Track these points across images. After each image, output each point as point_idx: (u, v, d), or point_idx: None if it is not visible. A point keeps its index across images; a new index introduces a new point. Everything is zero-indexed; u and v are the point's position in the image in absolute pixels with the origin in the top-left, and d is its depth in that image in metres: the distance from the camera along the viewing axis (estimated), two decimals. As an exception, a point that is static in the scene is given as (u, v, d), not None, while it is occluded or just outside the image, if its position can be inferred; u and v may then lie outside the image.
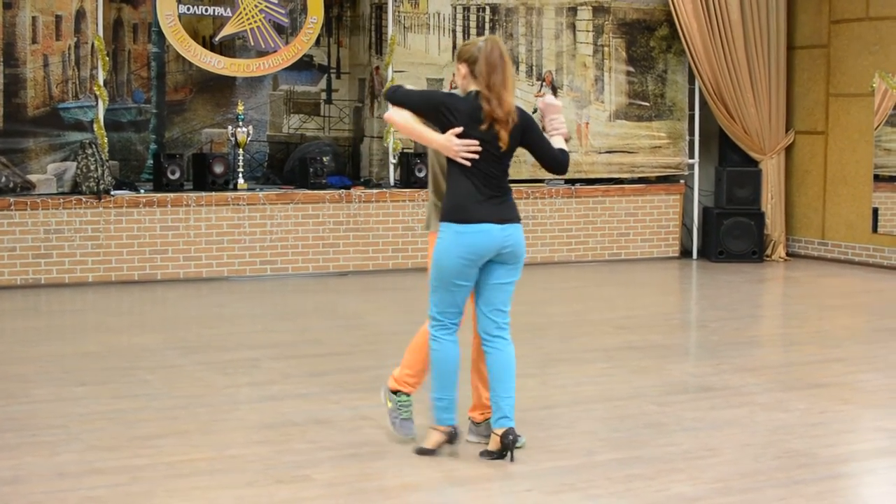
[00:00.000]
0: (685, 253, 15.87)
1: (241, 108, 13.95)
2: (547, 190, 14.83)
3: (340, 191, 13.90)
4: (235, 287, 13.02)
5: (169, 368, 8.90)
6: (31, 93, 13.05)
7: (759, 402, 7.94)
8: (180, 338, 10.17)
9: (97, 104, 13.18)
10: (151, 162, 13.95)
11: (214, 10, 13.90)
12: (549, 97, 6.84)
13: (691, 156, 15.83)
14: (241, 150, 13.79)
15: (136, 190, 13.24)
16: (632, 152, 15.42)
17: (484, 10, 14.87)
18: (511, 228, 6.39)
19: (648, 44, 15.62)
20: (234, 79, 14.54)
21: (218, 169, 13.47)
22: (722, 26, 15.12)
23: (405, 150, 14.43)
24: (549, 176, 14.34)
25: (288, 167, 14.83)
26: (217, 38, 13.91)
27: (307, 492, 5.99)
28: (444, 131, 6.32)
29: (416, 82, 14.60)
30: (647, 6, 15.52)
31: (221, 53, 13.98)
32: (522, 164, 13.38)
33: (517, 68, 14.70)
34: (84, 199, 12.74)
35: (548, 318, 10.99)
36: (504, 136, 6.28)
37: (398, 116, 6.52)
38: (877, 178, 14.76)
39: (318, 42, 14.73)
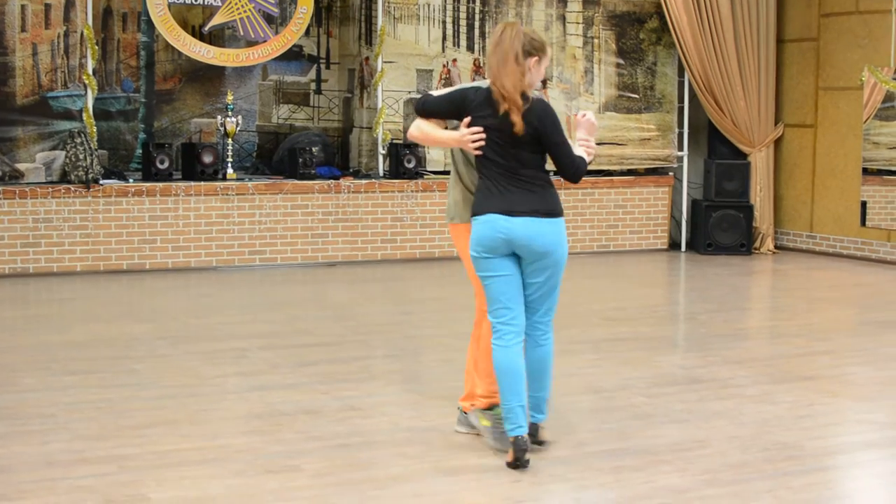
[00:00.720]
0: (674, 245, 15.89)
1: (230, 97, 13.93)
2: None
3: (329, 181, 13.89)
4: (224, 277, 13.00)
5: (157, 358, 8.89)
6: (19, 81, 13.03)
7: (747, 395, 7.96)
8: (169, 327, 10.17)
9: (86, 93, 13.16)
10: (140, 151, 13.93)
11: (204, 0, 13.87)
12: (590, 114, 6.66)
13: (680, 148, 15.85)
14: (230, 140, 13.78)
15: (125, 179, 13.22)
16: (621, 144, 15.42)
17: (474, 0, 14.86)
18: (520, 220, 6.14)
19: (638, 36, 15.62)
20: (223, 68, 14.52)
21: (207, 159, 13.45)
22: (712, 19, 15.13)
23: (394, 141, 14.42)
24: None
25: (277, 157, 14.81)
26: (206, 28, 13.89)
27: (296, 482, 5.99)
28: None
29: (405, 73, 14.62)
30: (637, -2, 15.56)
31: (211, 43, 13.96)
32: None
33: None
34: (73, 189, 12.72)
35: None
36: (517, 120, 6.09)
37: (416, 132, 6.49)
38: (865, 171, 14.78)
39: (307, 32, 14.70)
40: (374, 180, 14.17)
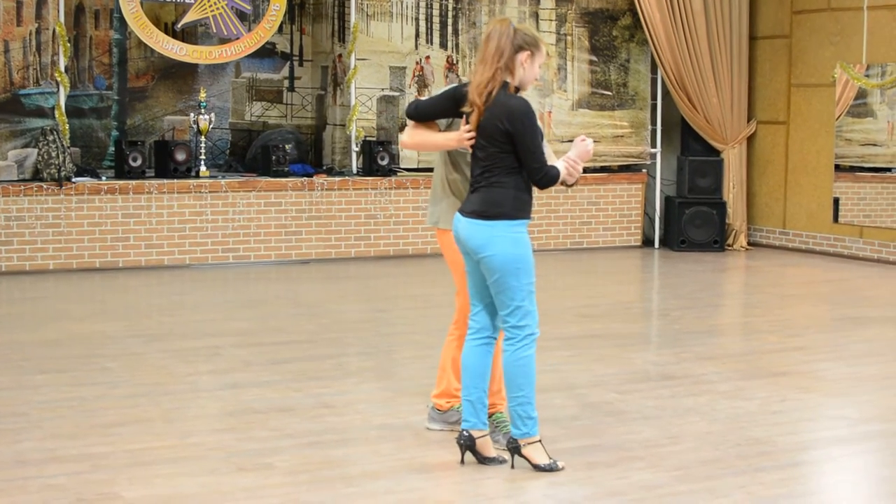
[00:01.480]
0: (647, 242, 15.92)
1: (203, 95, 13.90)
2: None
3: (303, 178, 13.87)
4: (197, 275, 12.98)
5: (130, 356, 8.87)
6: (-9, 79, 12.99)
7: (719, 391, 7.98)
8: (142, 326, 10.14)
9: (58, 90, 13.11)
10: (113, 149, 13.89)
11: (176, -3, 13.86)
12: (589, 142, 6.61)
13: (653, 145, 15.88)
14: (203, 138, 13.75)
15: (98, 177, 13.18)
16: (594, 141, 15.41)
17: (447, -2, 14.88)
18: (464, 221, 6.13)
19: (611, 33, 15.65)
20: (196, 66, 14.47)
21: (180, 156, 13.43)
22: (684, 16, 15.17)
23: (367, 139, 14.41)
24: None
25: (250, 155, 14.79)
26: (179, 25, 13.84)
27: (269, 479, 5.99)
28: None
29: (378, 71, 14.61)
30: (610, -5, 15.58)
31: (183, 40, 13.91)
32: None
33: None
34: (45, 186, 12.68)
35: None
36: (473, 119, 6.06)
37: (409, 139, 6.48)
38: (837, 168, 14.84)
39: (280, 29, 14.69)
40: (347, 178, 14.15)
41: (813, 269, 13.97)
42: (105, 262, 12.98)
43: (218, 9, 13.81)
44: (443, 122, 6.50)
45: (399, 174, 14.36)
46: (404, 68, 14.73)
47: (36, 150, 12.88)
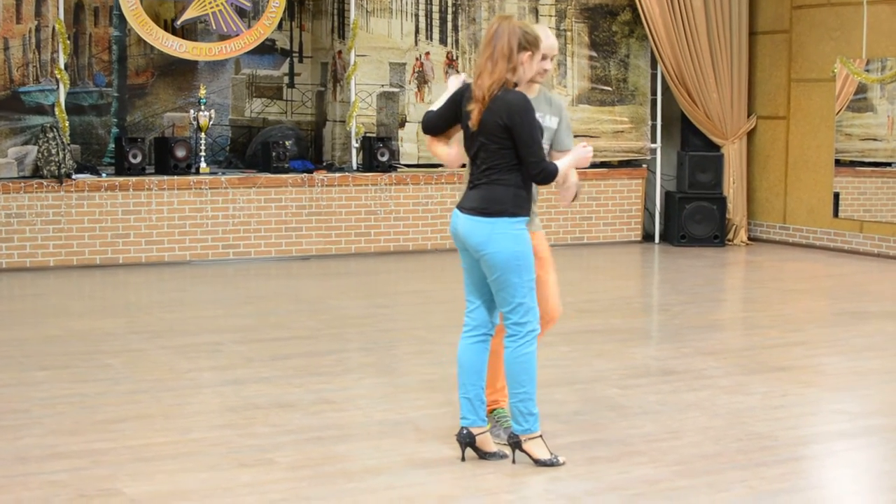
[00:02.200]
0: (647, 237, 15.92)
1: (203, 91, 13.90)
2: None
3: (303, 175, 13.87)
4: (198, 271, 12.98)
5: (131, 353, 8.87)
6: (-9, 76, 12.99)
7: (720, 385, 7.98)
8: (142, 322, 10.14)
9: (58, 88, 13.11)
10: (113, 146, 13.88)
11: (176, -6, 13.86)
12: (590, 149, 6.59)
13: (653, 140, 15.87)
14: (203, 134, 13.74)
15: (98, 174, 13.18)
16: (594, 137, 15.42)
17: (447, -7, 14.87)
18: (462, 217, 6.14)
19: (611, 28, 15.64)
20: (195, 63, 14.45)
21: (180, 153, 13.42)
22: (684, 11, 15.16)
23: (367, 135, 14.40)
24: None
25: (250, 151, 14.78)
26: (179, 22, 13.83)
27: (270, 475, 5.99)
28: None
29: (378, 67, 14.61)
30: (609, -9, 15.58)
31: (183, 37, 13.91)
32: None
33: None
34: (45, 183, 12.67)
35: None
36: (475, 116, 6.03)
37: (441, 151, 6.45)
38: (838, 162, 14.83)
39: (280, 26, 14.67)
40: (347, 174, 14.15)
41: (813, 264, 13.97)
42: (105, 259, 12.98)
43: (217, 5, 13.80)
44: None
45: (399, 170, 14.35)
46: (404, 64, 14.72)
47: (36, 148, 12.88)
